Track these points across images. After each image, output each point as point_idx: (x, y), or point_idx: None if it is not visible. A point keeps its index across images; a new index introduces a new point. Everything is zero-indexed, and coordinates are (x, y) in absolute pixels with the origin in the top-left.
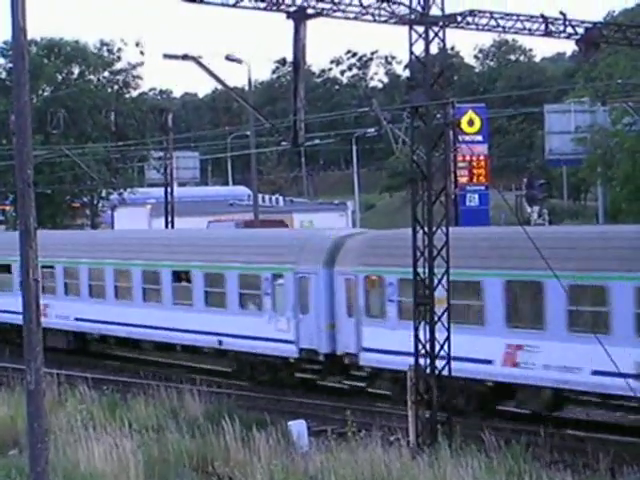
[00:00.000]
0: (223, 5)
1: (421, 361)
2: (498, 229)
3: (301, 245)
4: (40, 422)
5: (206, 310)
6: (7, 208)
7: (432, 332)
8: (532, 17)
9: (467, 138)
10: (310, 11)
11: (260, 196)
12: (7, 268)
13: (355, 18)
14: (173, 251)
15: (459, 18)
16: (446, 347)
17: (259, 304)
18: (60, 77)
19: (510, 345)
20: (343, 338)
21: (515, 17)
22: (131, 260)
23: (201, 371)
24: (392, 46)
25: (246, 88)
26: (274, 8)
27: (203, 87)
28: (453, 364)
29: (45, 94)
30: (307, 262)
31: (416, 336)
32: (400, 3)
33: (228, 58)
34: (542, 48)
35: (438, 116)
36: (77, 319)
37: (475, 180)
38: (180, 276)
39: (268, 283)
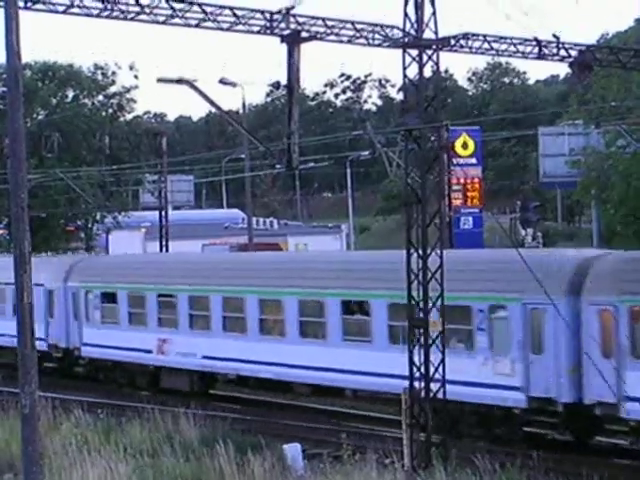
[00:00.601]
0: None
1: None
2: None
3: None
4: (35, 446)
5: (390, 348)
6: (1, 232)
7: (427, 355)
8: (526, 40)
9: (461, 161)
10: (304, 35)
11: (255, 219)
12: (113, 297)
13: (349, 42)
14: (343, 277)
15: (453, 41)
16: (440, 370)
17: (469, 342)
18: (54, 101)
19: None
20: (595, 384)
21: (509, 40)
22: (282, 288)
23: (198, 395)
24: (386, 69)
25: (240, 111)
26: (268, 32)
27: (197, 110)
28: None
29: (39, 118)
30: (541, 290)
31: (410, 359)
32: (394, 27)
33: (222, 81)
34: (536, 71)
35: (432, 139)
36: (206, 357)
37: (469, 203)
38: (352, 307)
39: (483, 316)
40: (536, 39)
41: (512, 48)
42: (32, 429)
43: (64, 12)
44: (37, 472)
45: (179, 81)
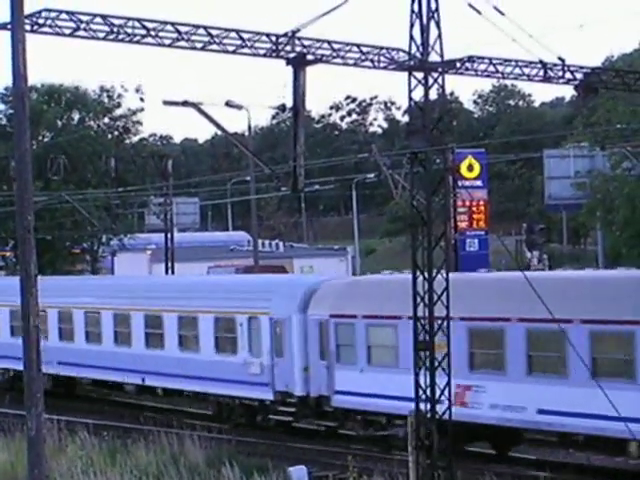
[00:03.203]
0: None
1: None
2: None
3: None
4: (41, 468)
5: None
6: (7, 254)
7: (432, 377)
8: (531, 63)
9: (466, 183)
10: (309, 57)
11: (260, 241)
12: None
13: (355, 64)
14: None
15: (458, 64)
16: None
17: None
18: (60, 123)
19: None
20: None
21: (514, 63)
22: None
23: (203, 416)
24: (391, 91)
25: (246, 134)
26: (273, 55)
27: (203, 133)
28: None
29: (45, 140)
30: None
31: (416, 381)
32: (399, 49)
33: (228, 104)
34: (541, 93)
35: (438, 161)
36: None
37: (475, 225)
38: None
39: None
40: (541, 62)
41: (517, 71)
42: (38, 451)
43: (70, 35)
44: None
45: (185, 103)
